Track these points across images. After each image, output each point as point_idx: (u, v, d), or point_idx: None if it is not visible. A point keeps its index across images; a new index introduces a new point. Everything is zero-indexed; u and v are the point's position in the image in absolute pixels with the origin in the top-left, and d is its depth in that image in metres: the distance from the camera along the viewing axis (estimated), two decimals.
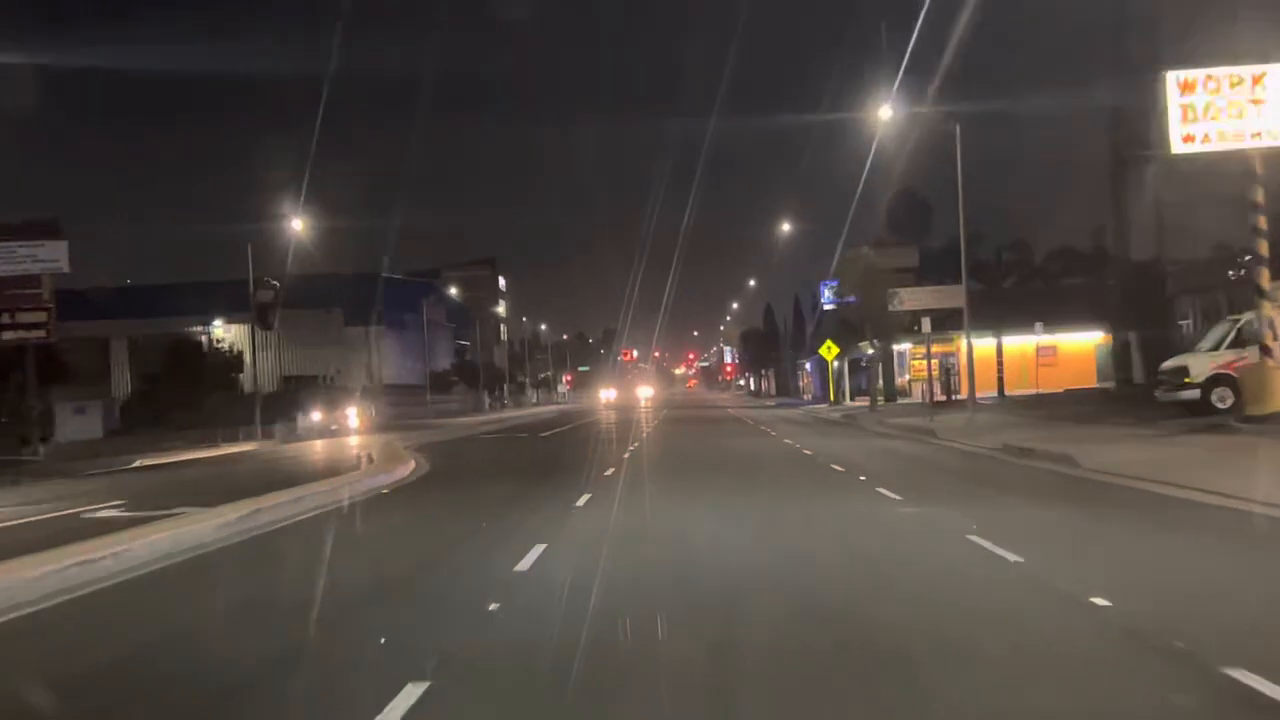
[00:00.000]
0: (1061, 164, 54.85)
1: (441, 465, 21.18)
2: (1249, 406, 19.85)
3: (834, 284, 57.05)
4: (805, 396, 72.08)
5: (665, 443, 27.06)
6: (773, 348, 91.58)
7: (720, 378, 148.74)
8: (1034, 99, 39.53)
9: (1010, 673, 5.13)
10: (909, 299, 43.29)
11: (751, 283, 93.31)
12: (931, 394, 42.37)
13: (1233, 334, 23.12)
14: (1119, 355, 40.87)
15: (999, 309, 42.71)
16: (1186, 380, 23.19)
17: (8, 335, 30.50)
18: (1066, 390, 40.41)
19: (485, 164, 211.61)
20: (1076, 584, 6.95)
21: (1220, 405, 22.53)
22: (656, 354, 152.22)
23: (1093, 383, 45.40)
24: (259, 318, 46.93)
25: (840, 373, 56.30)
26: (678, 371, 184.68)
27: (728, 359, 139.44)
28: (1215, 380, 22.85)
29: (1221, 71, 20.02)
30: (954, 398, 41.03)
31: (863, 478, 15.11)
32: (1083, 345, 49.14)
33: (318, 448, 28.04)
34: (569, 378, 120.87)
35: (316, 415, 37.78)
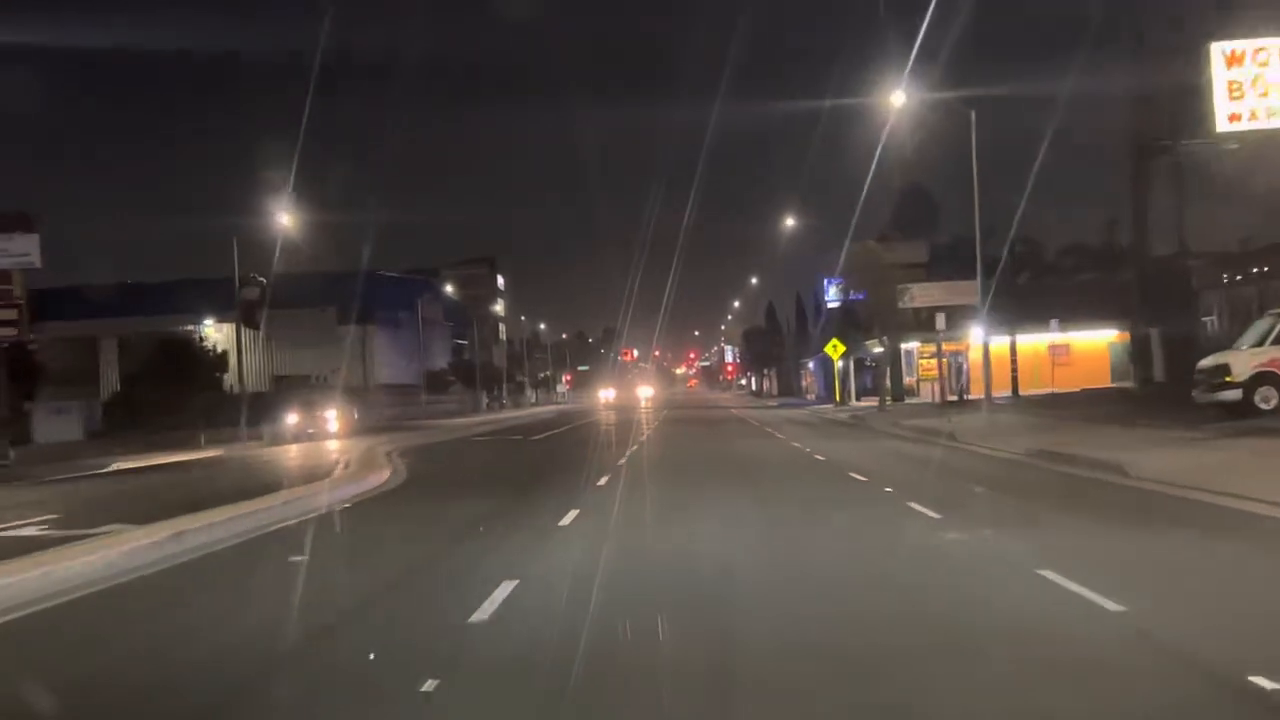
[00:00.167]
0: (1073, 157, 53.19)
1: (421, 472, 19.42)
2: None
3: (839, 281, 55.46)
4: (809, 396, 70.85)
5: (665, 446, 25.31)
6: (775, 346, 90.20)
7: (721, 377, 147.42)
8: (1048, 82, 37.74)
9: None
10: (920, 295, 41.86)
11: (754, 280, 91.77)
12: (943, 394, 40.79)
13: (1277, 330, 21.50)
14: (1140, 353, 39.24)
15: (1012, 306, 41.02)
16: (1227, 379, 21.54)
17: None
18: (1083, 390, 38.94)
19: (485, 162, 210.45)
20: (1220, 651, 5.21)
21: (1264, 406, 20.97)
22: (657, 353, 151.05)
23: (1107, 382, 44.08)
24: (245, 316, 45.45)
25: (845, 372, 54.67)
26: (678, 371, 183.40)
27: (729, 358, 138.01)
28: (1258, 379, 21.25)
29: (1273, 43, 18.38)
30: (966, 398, 39.37)
31: (888, 489, 13.34)
32: (1096, 343, 47.75)
33: (293, 453, 26.30)
34: (568, 377, 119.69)
35: (293, 418, 35.97)
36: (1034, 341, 41.92)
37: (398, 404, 57.76)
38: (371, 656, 5.69)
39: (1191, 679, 4.94)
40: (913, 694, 4.75)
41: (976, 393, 39.05)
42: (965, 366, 42.26)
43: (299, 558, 9.11)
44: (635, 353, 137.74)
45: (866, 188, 37.90)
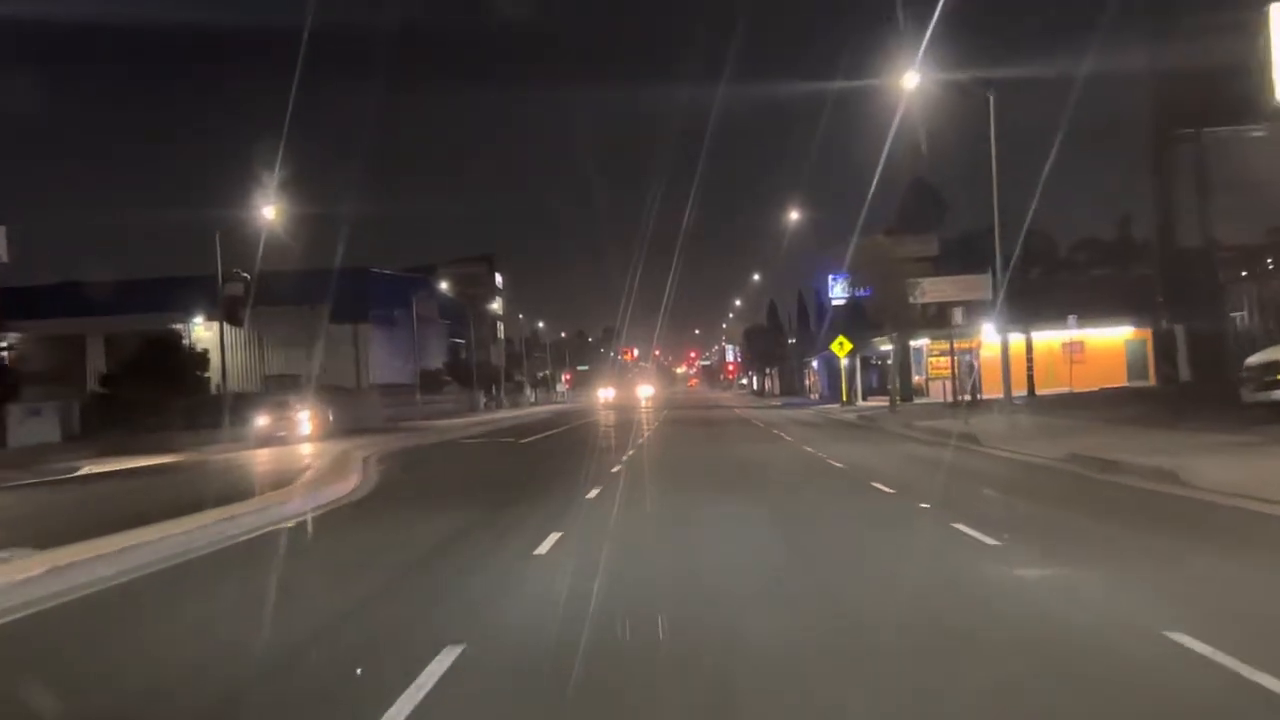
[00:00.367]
0: (1090, 145, 51.30)
1: (391, 482, 17.46)
2: None
3: (843, 277, 53.79)
4: (812, 396, 69.41)
5: (666, 450, 23.40)
6: (777, 345, 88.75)
7: (722, 377, 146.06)
8: (1065, 63, 35.85)
9: None
10: (931, 289, 40.12)
11: (755, 277, 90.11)
12: (956, 393, 39.06)
13: None
14: (1165, 351, 37.47)
15: (1025, 302, 39.27)
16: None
17: None
18: (1101, 389, 37.20)
19: (484, 161, 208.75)
20: None
21: None
22: (657, 352, 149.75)
23: (1123, 380, 42.60)
24: (228, 313, 43.93)
25: (852, 371, 52.94)
26: (679, 370, 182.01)
27: (729, 357, 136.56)
28: None
29: None
30: (979, 397, 37.60)
31: (924, 505, 11.37)
32: (1111, 341, 46.19)
33: (262, 457, 24.42)
34: (568, 377, 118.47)
35: (262, 420, 34.21)
36: (1047, 339, 40.20)
37: (392, 404, 56.18)
38: None
39: None
40: None
41: (989, 392, 37.48)
42: (977, 365, 40.49)
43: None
44: (635, 352, 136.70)
45: (878, 175, 36.28)
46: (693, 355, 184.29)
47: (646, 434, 30.50)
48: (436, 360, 75.04)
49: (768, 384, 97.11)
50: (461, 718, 4.74)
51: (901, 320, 41.79)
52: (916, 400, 45.66)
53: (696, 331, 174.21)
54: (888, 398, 43.76)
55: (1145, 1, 34.53)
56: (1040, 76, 30.62)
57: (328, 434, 33.19)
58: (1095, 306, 41.58)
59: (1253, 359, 20.97)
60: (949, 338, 40.94)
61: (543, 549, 9.13)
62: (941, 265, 43.82)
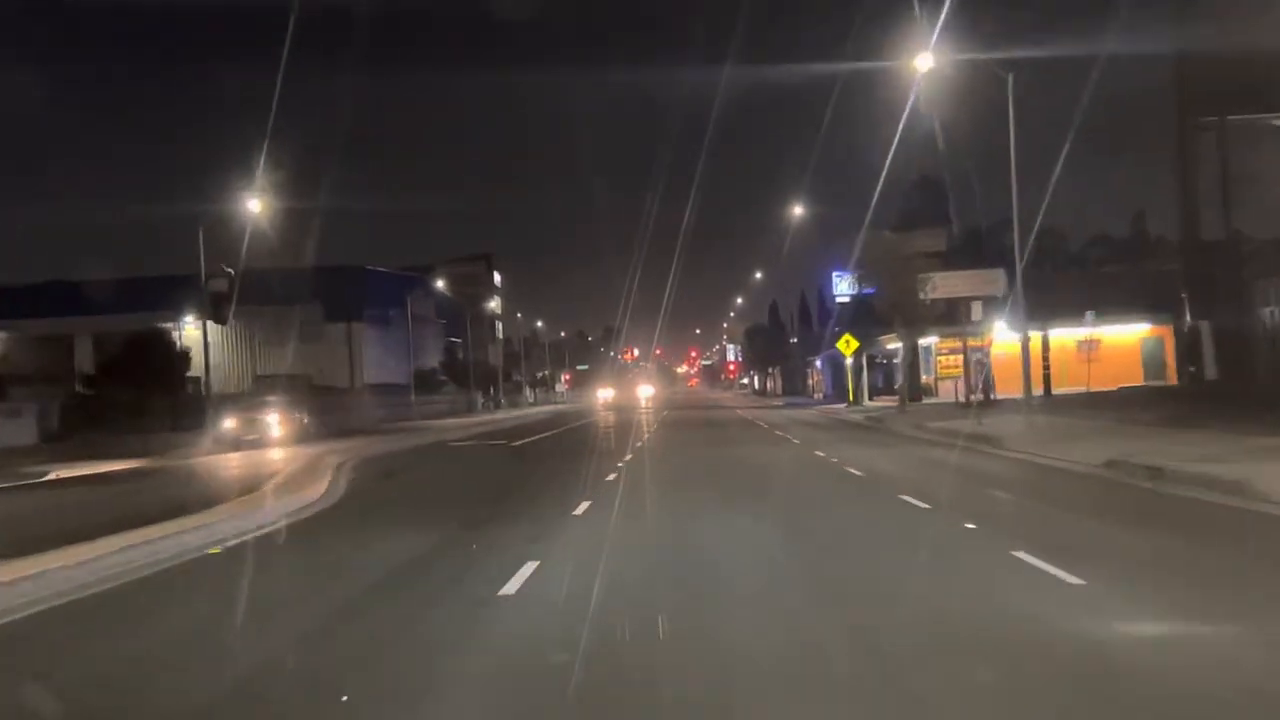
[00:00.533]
0: (1105, 134, 49.79)
1: (361, 492, 15.85)
2: None
3: (847, 275, 52.53)
4: (815, 396, 68.22)
5: (666, 455, 21.81)
6: (779, 345, 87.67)
7: (723, 376, 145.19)
8: (1083, 45, 34.27)
9: None
10: (943, 285, 38.69)
11: (757, 275, 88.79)
12: (969, 393, 37.62)
13: None
14: (1190, 348, 35.97)
15: (1038, 298, 37.83)
16: None
17: None
18: (1119, 388, 35.77)
19: (483, 160, 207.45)
20: None
21: None
22: (658, 352, 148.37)
23: (1139, 379, 41.16)
24: (213, 310, 42.46)
25: (858, 370, 51.54)
26: (679, 370, 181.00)
27: (730, 357, 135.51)
28: None
29: None
30: (992, 397, 36.15)
31: (970, 525, 9.58)
32: (1127, 339, 44.91)
33: (232, 462, 22.91)
34: (567, 376, 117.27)
35: (229, 423, 32.84)
36: (1060, 336, 38.80)
37: (386, 404, 55.00)
38: None
39: None
40: None
41: (1001, 391, 36.13)
42: (988, 363, 39.06)
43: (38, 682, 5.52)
44: (636, 351, 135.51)
45: (888, 164, 34.92)
46: (693, 355, 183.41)
47: (645, 436, 28.96)
48: (433, 360, 74.07)
49: (768, 384, 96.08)
50: None
51: (911, 317, 40.41)
52: (925, 400, 44.33)
53: (697, 331, 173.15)
54: (894, 398, 42.38)
55: None
56: (1057, 58, 28.90)
57: (305, 437, 31.85)
58: (1109, 303, 40.20)
59: None
60: (959, 335, 39.49)
61: (511, 587, 7.40)
62: (949, 262, 42.52)
